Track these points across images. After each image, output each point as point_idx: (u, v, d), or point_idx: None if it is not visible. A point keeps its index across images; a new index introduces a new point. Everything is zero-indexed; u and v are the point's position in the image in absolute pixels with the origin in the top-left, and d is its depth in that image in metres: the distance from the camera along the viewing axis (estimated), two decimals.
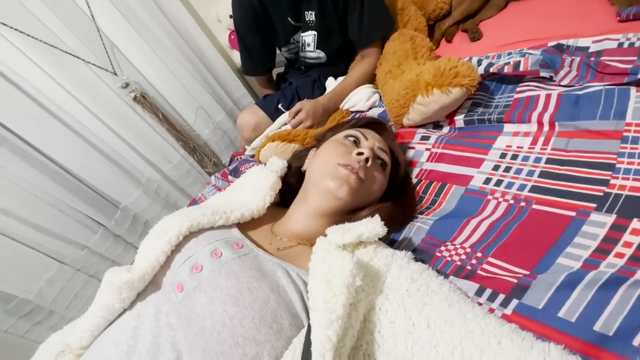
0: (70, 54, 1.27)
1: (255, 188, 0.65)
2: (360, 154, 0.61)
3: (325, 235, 0.54)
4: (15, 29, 1.13)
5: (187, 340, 0.42)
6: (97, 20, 1.32)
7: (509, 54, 0.90)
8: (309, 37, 1.16)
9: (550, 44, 0.83)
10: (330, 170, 0.60)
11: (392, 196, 0.69)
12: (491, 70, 0.82)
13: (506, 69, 0.80)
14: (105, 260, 1.44)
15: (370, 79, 1.12)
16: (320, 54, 1.19)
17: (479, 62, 0.90)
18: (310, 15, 1.10)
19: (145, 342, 0.43)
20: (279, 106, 1.19)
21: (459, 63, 0.73)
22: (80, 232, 1.34)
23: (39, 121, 1.23)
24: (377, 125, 0.78)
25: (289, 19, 1.12)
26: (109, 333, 0.49)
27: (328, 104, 1.08)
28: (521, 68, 0.78)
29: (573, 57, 0.75)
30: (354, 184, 0.58)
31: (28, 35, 1.16)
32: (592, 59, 0.73)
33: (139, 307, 0.49)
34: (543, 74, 0.74)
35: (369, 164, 0.61)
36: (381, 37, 1.10)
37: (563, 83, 0.71)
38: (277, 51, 1.30)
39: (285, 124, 1.11)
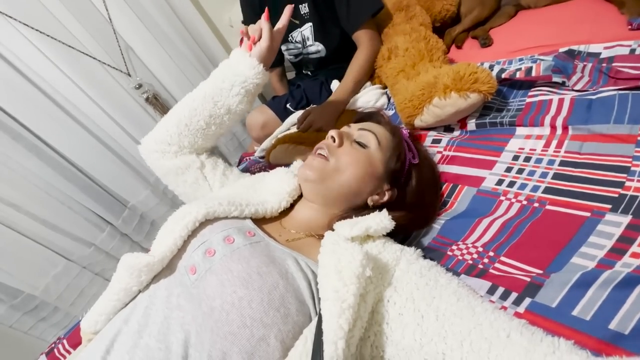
0: (86, 54, 1.29)
1: (275, 190, 0.67)
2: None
3: (333, 230, 0.56)
4: (35, 29, 1.16)
5: (196, 321, 0.43)
6: (114, 22, 1.35)
7: (520, 59, 0.90)
8: (306, 31, 1.19)
9: (562, 49, 0.83)
10: (306, 162, 0.64)
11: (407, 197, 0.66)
12: (503, 76, 0.82)
13: (518, 75, 0.81)
14: (110, 259, 1.45)
15: (371, 65, 1.11)
16: (319, 46, 1.22)
17: (491, 68, 0.91)
18: (305, 8, 1.14)
19: (156, 322, 0.44)
20: (288, 106, 1.21)
21: (478, 69, 0.73)
22: (88, 230, 1.35)
23: (54, 119, 1.25)
24: (367, 115, 0.78)
25: None
26: (120, 311, 0.50)
27: (334, 104, 1.09)
28: (533, 73, 0.79)
29: (585, 63, 0.75)
30: (317, 163, 0.61)
31: (47, 35, 1.19)
32: (604, 64, 0.73)
33: (152, 288, 0.49)
34: (555, 79, 0.74)
35: (335, 143, 0.62)
36: (370, 18, 1.10)
37: (576, 88, 0.71)
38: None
39: (294, 124, 1.12)
